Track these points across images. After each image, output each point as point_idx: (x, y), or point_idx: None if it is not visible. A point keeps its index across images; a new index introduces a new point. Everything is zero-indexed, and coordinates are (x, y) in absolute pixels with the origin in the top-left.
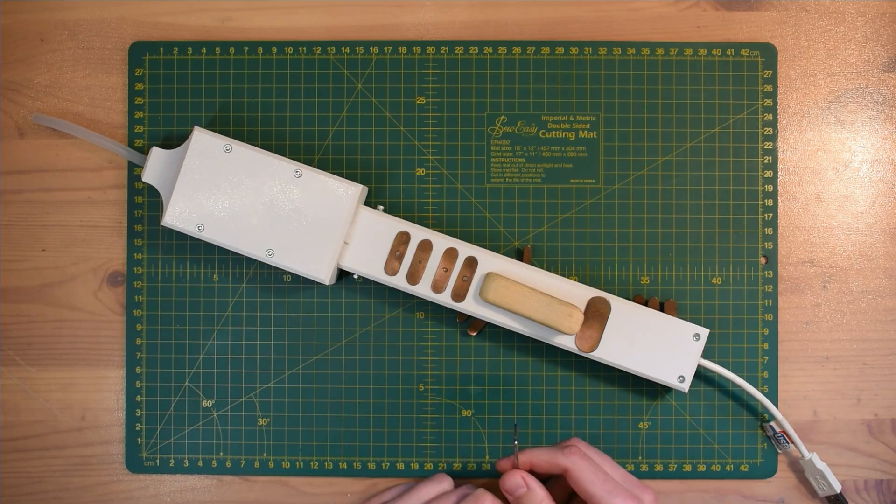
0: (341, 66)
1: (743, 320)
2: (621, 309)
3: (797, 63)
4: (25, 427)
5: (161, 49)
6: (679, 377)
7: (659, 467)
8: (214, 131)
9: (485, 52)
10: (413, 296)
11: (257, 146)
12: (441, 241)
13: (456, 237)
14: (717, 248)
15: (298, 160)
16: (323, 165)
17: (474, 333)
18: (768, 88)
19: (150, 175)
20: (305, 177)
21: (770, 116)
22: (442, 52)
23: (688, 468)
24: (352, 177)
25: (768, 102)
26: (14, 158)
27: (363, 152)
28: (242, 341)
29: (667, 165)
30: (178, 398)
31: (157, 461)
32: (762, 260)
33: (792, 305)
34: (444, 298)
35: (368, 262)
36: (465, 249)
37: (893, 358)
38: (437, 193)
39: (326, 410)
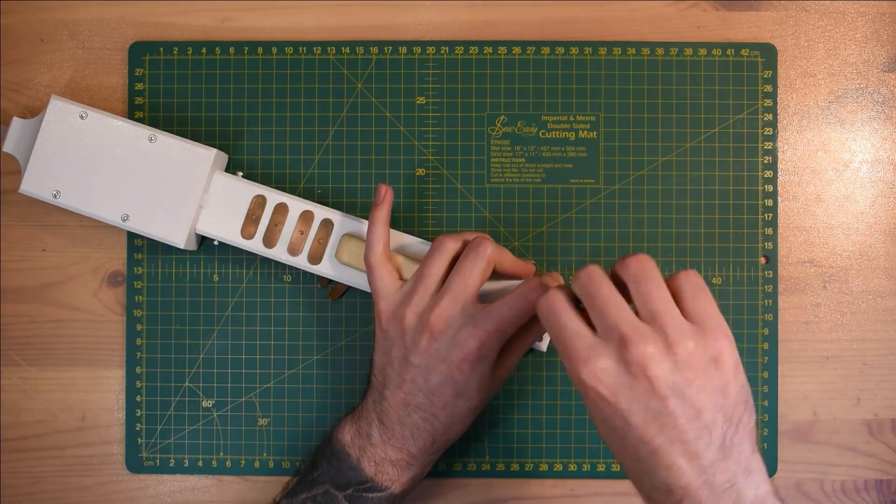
0: (341, 66)
1: (743, 320)
2: None
3: (797, 63)
4: (25, 427)
5: (161, 49)
6: None
7: None
8: (214, 131)
9: (485, 52)
10: None
11: (257, 146)
12: (297, 204)
13: None
14: (717, 248)
15: (298, 160)
16: (323, 165)
17: (335, 298)
18: (768, 88)
19: (9, 145)
20: (160, 142)
21: (770, 116)
22: (442, 52)
23: None
24: (351, 177)
25: (768, 102)
26: (14, 158)
27: (363, 152)
28: (242, 341)
29: (667, 165)
30: (178, 398)
31: (157, 461)
32: (762, 260)
33: (792, 305)
34: (301, 261)
35: (225, 227)
36: (321, 212)
37: (893, 358)
38: (437, 193)
39: (326, 410)
